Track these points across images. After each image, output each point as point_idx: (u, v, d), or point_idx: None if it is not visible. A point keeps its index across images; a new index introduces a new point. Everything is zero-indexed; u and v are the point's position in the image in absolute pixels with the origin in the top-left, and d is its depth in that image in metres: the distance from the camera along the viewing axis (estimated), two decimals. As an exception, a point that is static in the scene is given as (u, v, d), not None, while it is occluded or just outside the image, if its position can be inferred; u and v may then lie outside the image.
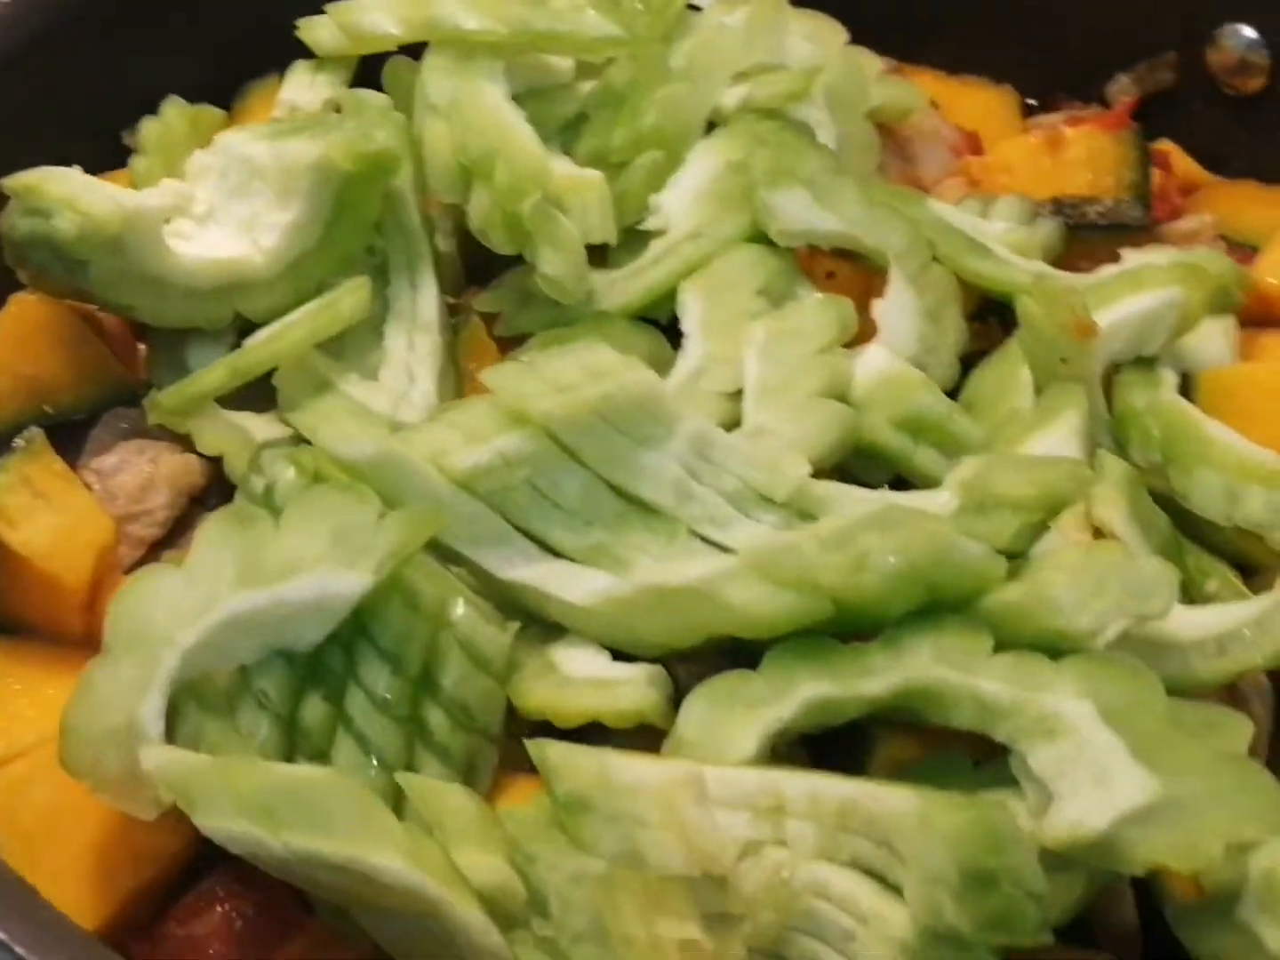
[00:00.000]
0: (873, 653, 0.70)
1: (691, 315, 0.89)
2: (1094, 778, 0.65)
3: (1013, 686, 0.68)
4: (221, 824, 0.63)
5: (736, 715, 0.69)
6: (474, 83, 0.95)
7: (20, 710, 0.79)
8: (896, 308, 0.91)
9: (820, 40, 1.06)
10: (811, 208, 0.91)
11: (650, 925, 0.60)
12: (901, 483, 0.85)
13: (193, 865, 0.73)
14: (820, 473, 0.81)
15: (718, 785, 0.64)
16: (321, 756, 0.71)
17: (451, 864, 0.65)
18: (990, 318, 0.96)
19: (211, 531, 0.71)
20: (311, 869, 0.64)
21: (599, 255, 0.94)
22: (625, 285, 0.92)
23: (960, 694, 0.69)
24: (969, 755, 0.71)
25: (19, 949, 0.58)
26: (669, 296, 0.91)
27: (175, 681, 0.68)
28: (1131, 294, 0.90)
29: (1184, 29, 1.15)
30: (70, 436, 0.89)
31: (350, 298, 0.85)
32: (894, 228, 0.92)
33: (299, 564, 0.70)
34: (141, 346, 0.94)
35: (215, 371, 0.85)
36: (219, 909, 0.72)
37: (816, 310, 0.88)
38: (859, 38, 1.10)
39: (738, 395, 0.85)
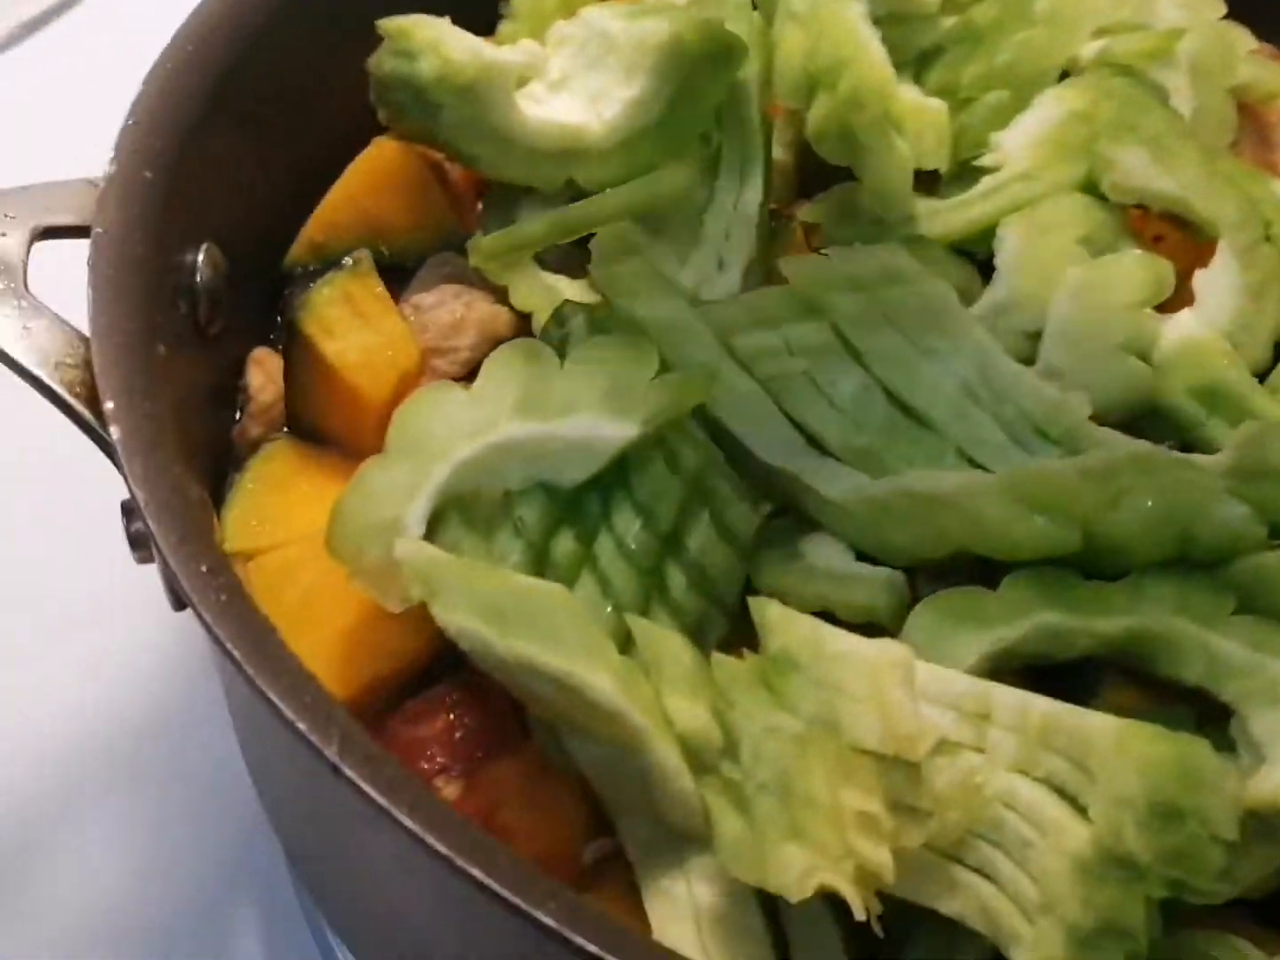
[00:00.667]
0: (1113, 592, 0.71)
1: (1007, 250, 0.88)
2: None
3: (1248, 648, 0.68)
4: (455, 618, 0.67)
5: (964, 628, 0.70)
6: (838, -2, 0.97)
7: (304, 506, 0.86)
8: (1218, 280, 0.88)
9: (1192, 8, 1.03)
10: (1150, 166, 0.90)
11: (835, 791, 0.61)
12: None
13: (428, 670, 0.78)
14: (1104, 425, 0.80)
15: (929, 678, 0.65)
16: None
17: (660, 706, 0.68)
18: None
19: (499, 360, 0.75)
20: (530, 678, 0.67)
21: (929, 186, 0.95)
22: (948, 215, 0.92)
23: (1194, 646, 0.69)
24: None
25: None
26: (989, 233, 0.90)
27: (443, 492, 0.73)
28: None
29: None
30: (399, 279, 0.96)
31: (670, 178, 0.88)
32: (1230, 199, 0.89)
33: (575, 405, 0.74)
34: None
35: (537, 224, 0.89)
36: (444, 715, 0.77)
37: (1135, 265, 0.86)
38: (1247, 17, 1.06)
39: (1038, 336, 0.85)
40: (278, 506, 0.86)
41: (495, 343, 0.92)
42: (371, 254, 0.95)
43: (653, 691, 0.68)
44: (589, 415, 0.74)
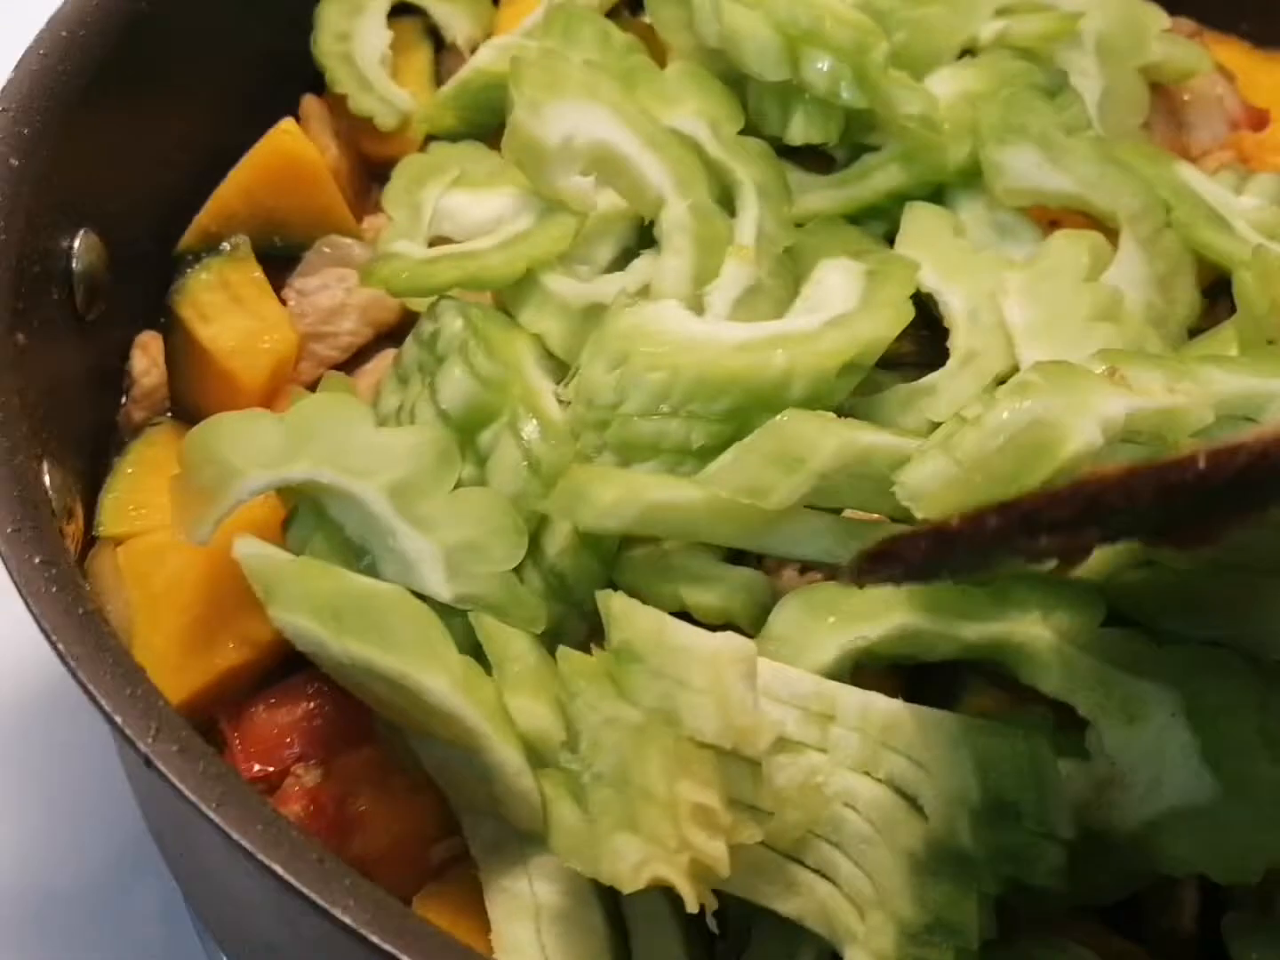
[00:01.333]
0: (980, 598, 0.69)
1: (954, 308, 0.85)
2: (1158, 769, 0.63)
3: (1106, 664, 0.67)
4: (291, 619, 0.67)
5: (826, 623, 0.69)
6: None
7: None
8: (1125, 274, 0.86)
9: (1101, -12, 1.02)
10: (1041, 166, 0.88)
11: (671, 783, 0.59)
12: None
13: (291, 658, 0.77)
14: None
15: (774, 677, 0.64)
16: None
17: (502, 704, 0.67)
18: (1223, 298, 0.91)
19: (418, 438, 0.73)
20: (368, 678, 0.66)
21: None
22: (833, 191, 0.91)
23: (1053, 660, 0.68)
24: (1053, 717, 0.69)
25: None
26: (874, 209, 0.90)
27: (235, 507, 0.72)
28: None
29: None
30: (290, 265, 0.95)
31: (555, 231, 0.83)
32: (1129, 189, 0.88)
33: (432, 528, 0.71)
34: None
35: (448, 273, 0.82)
36: (304, 704, 0.76)
37: (1064, 245, 0.85)
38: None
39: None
40: (154, 491, 0.85)
41: (378, 328, 0.92)
42: (265, 243, 0.95)
43: (494, 691, 0.67)
44: (430, 548, 0.71)
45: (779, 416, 0.71)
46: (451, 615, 0.71)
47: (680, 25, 0.96)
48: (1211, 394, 0.71)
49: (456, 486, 0.73)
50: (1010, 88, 0.92)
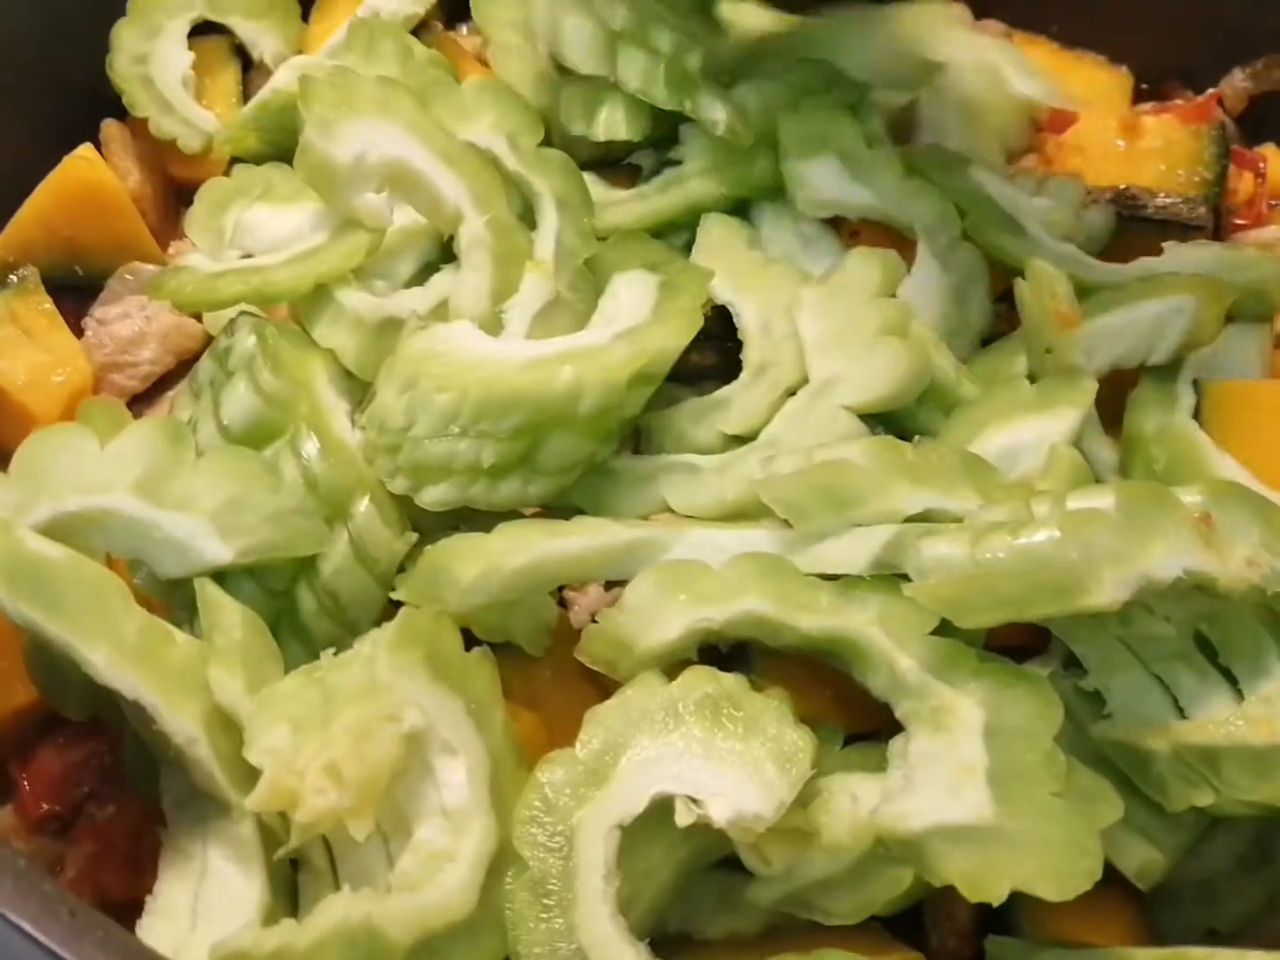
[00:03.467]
0: (825, 592, 0.70)
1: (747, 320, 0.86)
2: (945, 781, 0.64)
3: (927, 671, 0.67)
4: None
5: (677, 600, 0.70)
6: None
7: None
8: (921, 287, 0.88)
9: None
10: (842, 178, 0.89)
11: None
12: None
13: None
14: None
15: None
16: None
17: (188, 672, 0.67)
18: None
19: (140, 431, 0.73)
20: (47, 643, 0.66)
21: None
22: (630, 205, 0.92)
23: (881, 661, 0.69)
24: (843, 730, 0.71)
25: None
26: (671, 222, 0.91)
27: (43, 529, 0.70)
28: (1144, 299, 0.85)
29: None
30: (94, 294, 0.94)
31: (346, 246, 0.82)
32: (924, 202, 0.89)
33: (188, 504, 0.71)
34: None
35: (233, 286, 0.81)
36: (94, 742, 0.75)
37: (858, 263, 0.86)
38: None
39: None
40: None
41: (180, 356, 0.91)
42: (67, 272, 0.94)
43: (180, 653, 0.68)
44: (195, 520, 0.71)
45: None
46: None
47: (504, 23, 0.97)
48: None
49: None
50: (812, 100, 0.93)
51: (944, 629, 0.68)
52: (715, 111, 0.89)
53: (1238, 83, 1.11)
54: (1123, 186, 0.97)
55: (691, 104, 0.89)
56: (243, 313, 0.81)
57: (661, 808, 0.65)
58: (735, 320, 0.84)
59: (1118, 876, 0.68)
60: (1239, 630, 0.70)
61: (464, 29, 1.10)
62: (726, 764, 0.64)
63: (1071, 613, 0.65)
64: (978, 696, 0.65)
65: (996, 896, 0.60)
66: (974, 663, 0.67)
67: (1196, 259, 0.91)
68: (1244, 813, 0.67)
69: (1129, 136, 1.01)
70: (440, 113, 0.86)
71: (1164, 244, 0.92)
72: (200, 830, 0.67)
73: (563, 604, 0.78)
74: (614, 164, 0.95)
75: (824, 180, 0.89)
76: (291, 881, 0.67)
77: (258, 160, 0.95)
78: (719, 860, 0.68)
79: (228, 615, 0.69)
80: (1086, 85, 1.12)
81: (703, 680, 0.67)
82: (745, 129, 0.89)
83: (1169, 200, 0.96)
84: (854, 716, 0.72)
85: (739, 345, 0.85)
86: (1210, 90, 1.12)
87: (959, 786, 0.63)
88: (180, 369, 0.90)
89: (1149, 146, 1.01)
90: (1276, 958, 0.64)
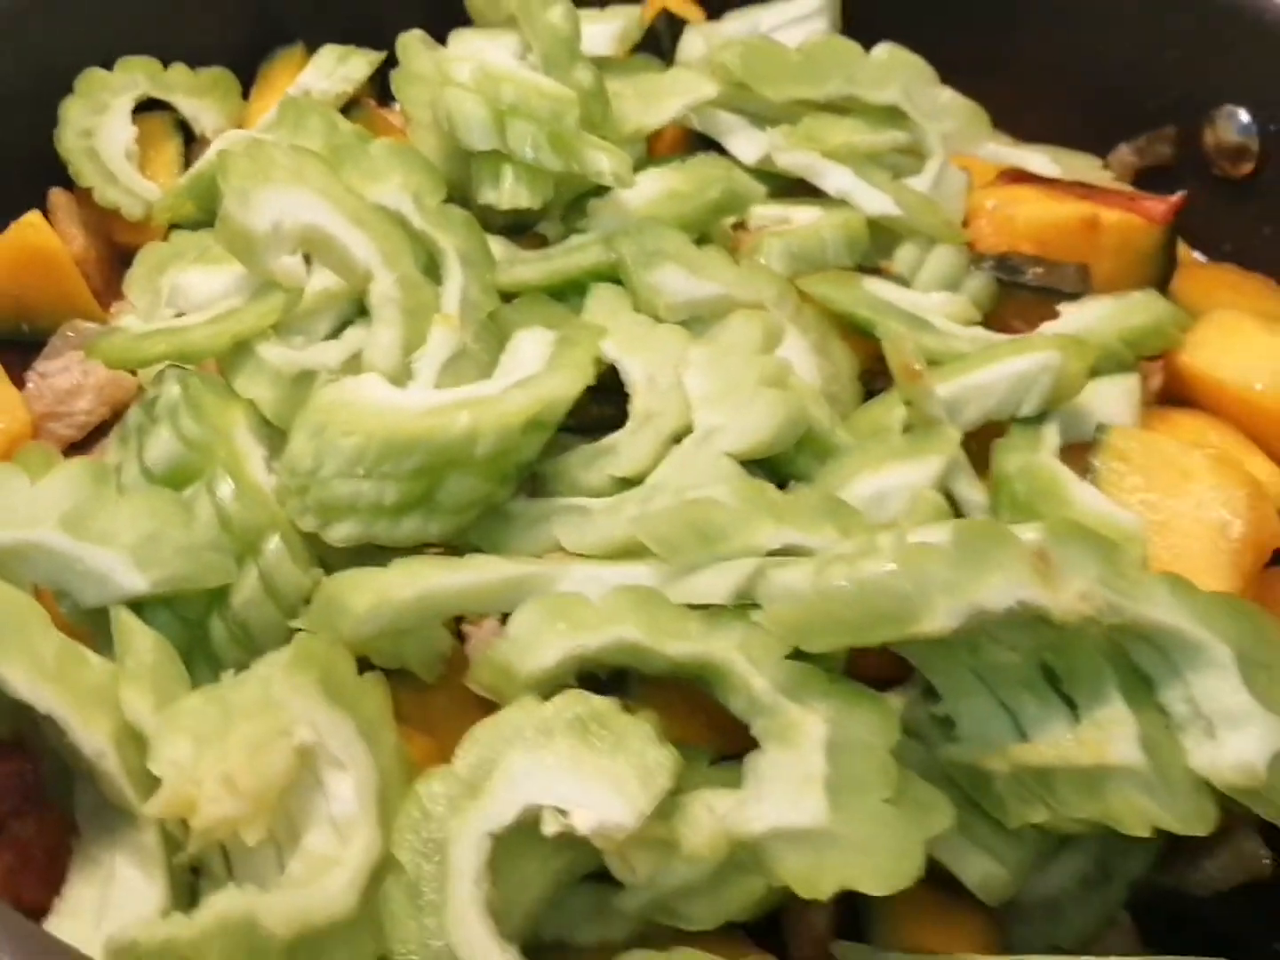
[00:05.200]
0: (692, 620, 0.76)
1: (634, 375, 0.91)
2: (788, 789, 0.69)
3: (779, 691, 0.73)
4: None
5: (554, 629, 0.76)
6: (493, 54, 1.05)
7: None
8: (791, 347, 0.94)
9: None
10: (688, 279, 0.95)
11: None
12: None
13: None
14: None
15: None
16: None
17: (101, 692, 0.72)
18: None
19: (69, 472, 0.79)
20: None
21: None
22: (534, 265, 0.98)
23: (740, 683, 0.74)
24: (710, 750, 0.76)
25: None
26: (573, 283, 0.97)
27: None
28: (1011, 357, 0.92)
29: (1185, 106, 1.15)
30: (39, 349, 1.01)
31: (263, 307, 0.88)
32: (762, 281, 0.96)
33: (108, 538, 0.77)
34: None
35: (158, 345, 0.87)
36: (16, 760, 0.78)
37: (742, 322, 0.92)
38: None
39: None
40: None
41: (115, 407, 0.97)
42: (13, 329, 1.02)
43: (100, 677, 0.73)
44: (115, 554, 0.77)
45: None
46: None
47: (421, 102, 1.04)
48: (1130, 616, 0.74)
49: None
50: (710, 188, 1.01)
51: (802, 656, 0.74)
52: (600, 163, 0.96)
53: (1124, 156, 1.19)
54: (1005, 253, 1.04)
55: (577, 162, 0.96)
56: (171, 365, 0.87)
57: (535, 823, 0.70)
58: (623, 375, 0.90)
59: (969, 894, 0.74)
60: (1080, 660, 0.75)
61: (395, 106, 1.17)
62: (592, 778, 0.70)
63: (906, 638, 0.71)
64: (823, 714, 0.71)
65: (824, 893, 0.65)
66: (823, 684, 0.72)
67: (1080, 318, 0.99)
68: (1077, 830, 0.72)
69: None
70: (350, 175, 0.93)
71: (1058, 307, 1.00)
72: (109, 839, 0.72)
73: (461, 636, 0.83)
74: (523, 231, 1.02)
75: (674, 284, 0.95)
76: (193, 888, 0.72)
77: (195, 226, 1.02)
78: (591, 873, 0.73)
79: (139, 640, 0.74)
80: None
81: (574, 702, 0.73)
82: (628, 175, 0.97)
83: (1047, 268, 1.03)
84: (724, 739, 0.77)
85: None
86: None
87: (799, 794, 0.68)
88: (115, 419, 0.96)
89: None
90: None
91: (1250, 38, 1.09)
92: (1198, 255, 1.17)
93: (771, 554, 0.77)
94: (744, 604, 0.75)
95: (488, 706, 0.78)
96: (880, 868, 0.65)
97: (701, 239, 0.99)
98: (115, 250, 1.09)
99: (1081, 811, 0.71)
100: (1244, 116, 1.12)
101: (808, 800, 0.68)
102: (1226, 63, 1.12)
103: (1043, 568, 0.73)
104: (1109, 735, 0.72)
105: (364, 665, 0.76)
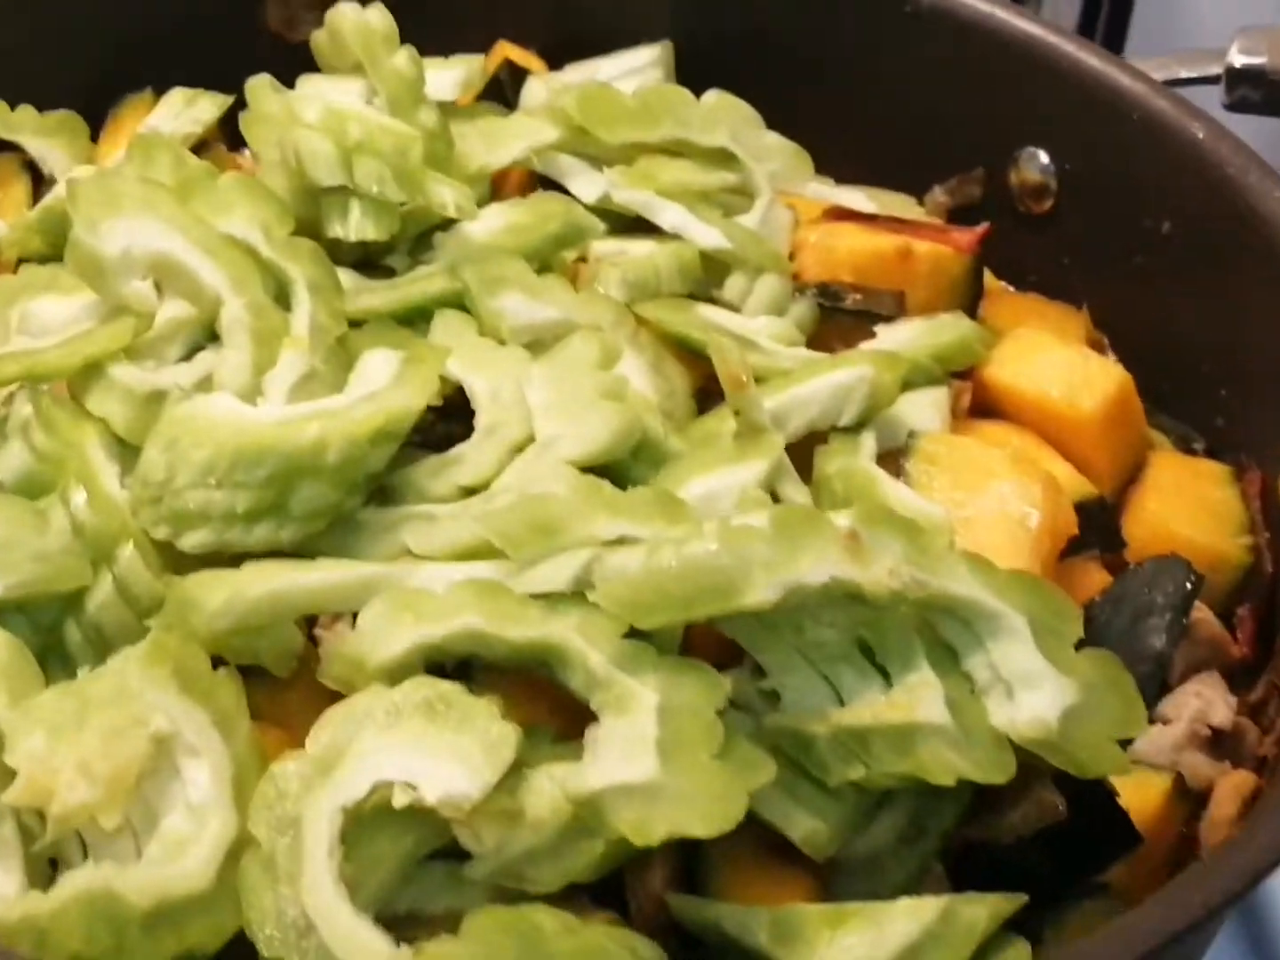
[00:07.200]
0: (533, 607, 0.80)
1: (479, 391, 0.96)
2: (622, 750, 0.74)
3: (614, 666, 0.78)
4: None
5: (403, 621, 0.79)
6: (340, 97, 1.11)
7: None
8: (629, 366, 1.00)
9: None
10: (529, 304, 1.00)
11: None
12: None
13: None
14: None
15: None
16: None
17: None
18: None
19: None
20: None
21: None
22: (381, 293, 1.03)
23: (578, 663, 0.78)
24: (553, 731, 0.80)
25: None
26: (417, 309, 1.02)
27: None
28: (829, 371, 0.99)
29: (991, 149, 1.24)
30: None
31: (115, 329, 0.92)
32: (598, 306, 1.02)
33: None
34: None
35: (9, 367, 0.90)
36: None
37: (581, 342, 0.97)
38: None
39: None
40: None
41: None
42: None
43: None
44: None
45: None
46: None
47: (269, 142, 1.08)
48: (935, 590, 0.80)
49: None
50: (550, 221, 1.08)
51: (638, 637, 0.78)
52: (443, 196, 1.02)
53: (937, 197, 1.28)
54: (824, 282, 1.12)
55: (422, 195, 1.01)
56: (23, 386, 0.90)
57: (387, 803, 0.73)
58: (468, 392, 0.95)
59: (797, 854, 0.79)
60: (892, 634, 0.81)
61: (245, 152, 1.21)
62: (439, 754, 0.73)
63: (731, 611, 0.77)
64: (653, 684, 0.76)
65: (655, 838, 0.70)
66: (654, 658, 0.77)
67: (894, 338, 1.07)
68: (893, 785, 0.78)
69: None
70: (199, 207, 0.96)
71: (875, 328, 1.08)
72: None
73: (314, 640, 0.86)
74: (372, 266, 1.06)
75: (515, 309, 1.00)
76: (52, 879, 0.73)
77: (43, 261, 1.05)
78: (443, 850, 0.76)
79: None
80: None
81: (422, 686, 0.77)
82: (471, 207, 1.02)
83: (861, 293, 1.10)
84: (568, 723, 0.81)
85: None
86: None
87: (632, 754, 0.73)
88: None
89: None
90: (916, 902, 0.74)
91: (1048, 83, 1.18)
92: (1006, 285, 1.25)
93: (607, 545, 0.82)
94: (581, 590, 0.80)
95: (340, 701, 0.82)
96: (706, 813, 0.70)
97: (542, 269, 1.05)
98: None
99: (895, 767, 0.76)
100: (1044, 157, 1.21)
101: (640, 759, 0.72)
102: (1026, 107, 1.21)
103: (854, 546, 0.80)
104: (918, 698, 0.78)
105: (218, 663, 0.79)
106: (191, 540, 0.83)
